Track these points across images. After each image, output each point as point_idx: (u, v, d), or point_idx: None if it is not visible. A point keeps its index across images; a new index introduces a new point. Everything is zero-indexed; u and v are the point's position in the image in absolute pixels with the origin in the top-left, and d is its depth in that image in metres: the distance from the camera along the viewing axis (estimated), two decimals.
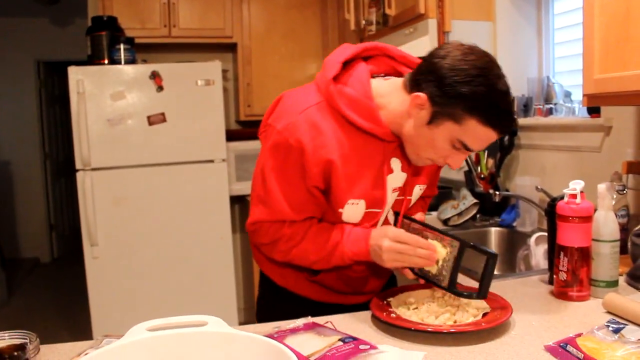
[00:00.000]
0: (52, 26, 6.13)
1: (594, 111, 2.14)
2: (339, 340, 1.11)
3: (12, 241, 6.27)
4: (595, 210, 1.42)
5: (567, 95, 2.45)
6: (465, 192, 2.59)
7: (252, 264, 3.72)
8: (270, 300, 1.58)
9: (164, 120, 3.26)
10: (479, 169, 2.53)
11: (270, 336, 1.18)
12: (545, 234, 1.63)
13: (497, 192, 2.22)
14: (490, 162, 2.54)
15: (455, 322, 1.22)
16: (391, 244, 1.25)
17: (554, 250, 1.45)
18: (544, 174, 2.41)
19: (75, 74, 3.12)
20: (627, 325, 1.15)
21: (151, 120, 3.24)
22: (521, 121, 2.49)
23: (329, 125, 1.26)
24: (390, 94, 1.28)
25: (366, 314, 1.32)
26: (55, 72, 6.54)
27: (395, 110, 1.26)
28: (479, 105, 1.14)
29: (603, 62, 1.50)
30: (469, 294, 1.25)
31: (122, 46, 3.28)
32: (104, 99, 3.18)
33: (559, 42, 2.59)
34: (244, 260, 4.09)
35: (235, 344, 0.77)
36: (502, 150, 2.55)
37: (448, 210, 2.53)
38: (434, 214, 2.60)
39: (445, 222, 2.50)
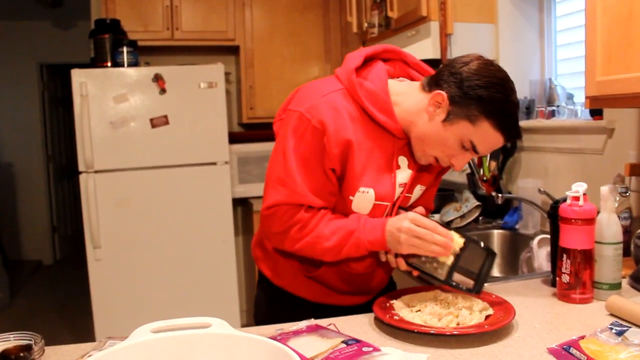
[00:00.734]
0: (55, 29, 6.15)
1: (596, 113, 2.14)
2: (342, 342, 1.11)
3: (15, 243, 6.29)
4: (598, 212, 1.41)
5: (570, 97, 2.45)
6: (467, 194, 2.59)
7: (254, 267, 3.72)
8: (267, 300, 1.58)
9: (167, 122, 3.26)
10: (481, 171, 2.53)
11: (273, 338, 1.19)
12: (548, 236, 1.63)
13: (500, 195, 2.22)
14: (493, 164, 2.54)
15: (458, 324, 1.22)
16: (410, 226, 1.25)
17: (556, 253, 1.44)
18: (546, 176, 2.41)
19: (78, 76, 3.14)
20: (630, 327, 1.15)
21: (154, 123, 3.25)
22: (523, 124, 2.49)
23: (347, 110, 1.31)
24: (405, 94, 1.35)
25: (369, 316, 1.33)
26: (58, 75, 6.56)
27: (410, 108, 1.32)
28: (495, 110, 1.22)
29: (605, 65, 1.50)
30: (463, 288, 1.28)
31: (125, 49, 3.29)
32: (107, 101, 3.18)
33: (561, 45, 2.59)
34: (246, 262, 4.09)
35: (238, 345, 0.78)
36: (505, 152, 2.55)
37: (450, 212, 2.53)
38: (437, 216, 2.60)
39: (447, 224, 2.50)
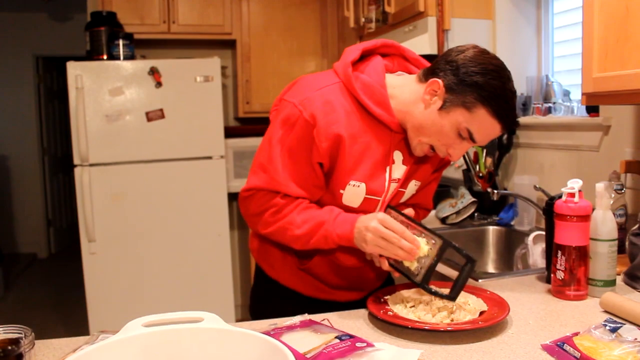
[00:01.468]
0: (51, 21, 6.12)
1: (592, 110, 2.14)
2: (336, 337, 1.11)
3: (10, 236, 6.28)
4: (593, 209, 1.41)
5: (566, 94, 2.45)
6: (463, 190, 2.59)
7: (249, 261, 3.72)
8: (262, 292, 1.59)
9: (163, 116, 3.25)
10: (477, 167, 2.52)
11: (266, 333, 1.18)
12: (543, 233, 1.63)
13: (495, 191, 2.22)
14: (489, 160, 2.53)
15: (452, 320, 1.21)
16: (378, 226, 1.24)
17: (551, 249, 1.44)
18: (542, 172, 2.40)
19: (74, 69, 3.12)
20: (624, 324, 1.15)
21: (149, 117, 3.23)
22: (520, 120, 2.49)
23: (342, 104, 1.31)
24: (402, 86, 1.34)
25: (363, 312, 1.32)
26: (54, 68, 6.53)
27: (406, 99, 1.32)
28: (491, 97, 1.21)
29: (602, 61, 1.50)
30: (439, 293, 1.26)
31: (121, 42, 3.28)
32: (103, 94, 3.17)
33: (558, 42, 2.58)
34: (241, 257, 4.09)
35: (230, 340, 0.77)
36: (501, 148, 2.54)
37: (446, 208, 2.53)
38: (432, 212, 2.60)
39: (443, 220, 2.50)
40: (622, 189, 1.80)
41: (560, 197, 1.41)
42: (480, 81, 1.20)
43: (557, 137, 2.32)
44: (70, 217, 6.84)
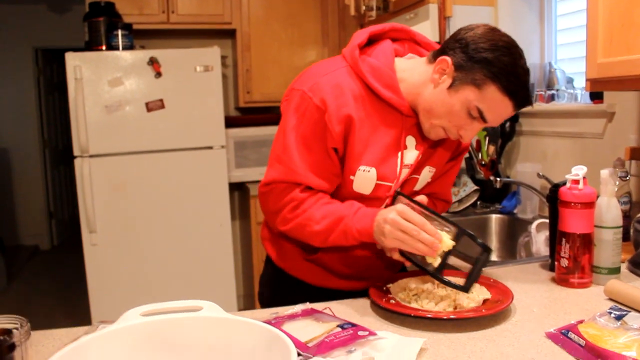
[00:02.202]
0: (50, 13, 6.09)
1: (596, 97, 2.11)
2: (338, 326, 1.10)
3: (12, 229, 6.28)
4: (598, 196, 1.40)
5: (569, 81, 2.42)
6: (466, 178, 2.57)
7: (251, 251, 3.71)
8: (269, 280, 1.58)
9: (163, 106, 3.23)
10: (480, 155, 2.50)
11: (267, 322, 1.17)
12: (546, 220, 1.61)
13: (498, 179, 2.20)
14: (492, 148, 2.52)
15: (455, 308, 1.20)
16: (396, 218, 1.17)
17: (555, 237, 1.43)
18: (545, 160, 2.39)
19: (72, 60, 3.09)
20: (629, 312, 1.13)
21: (149, 107, 3.21)
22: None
23: (351, 87, 1.28)
24: (412, 69, 1.31)
25: (365, 301, 1.31)
26: (53, 59, 6.51)
27: (415, 80, 1.29)
28: (502, 73, 1.17)
29: (607, 46, 1.48)
30: (452, 284, 1.21)
31: (119, 32, 3.25)
32: (102, 85, 3.15)
33: (561, 29, 2.56)
34: (243, 247, 4.08)
35: (230, 329, 0.76)
36: (504, 136, 2.53)
37: None
38: None
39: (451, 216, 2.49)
40: (627, 176, 1.78)
41: (564, 184, 1.40)
42: (490, 57, 1.17)
43: (560, 125, 2.30)
44: (72, 208, 6.83)
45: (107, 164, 3.20)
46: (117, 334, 0.76)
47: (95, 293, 3.23)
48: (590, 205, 1.36)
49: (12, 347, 0.84)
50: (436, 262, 1.20)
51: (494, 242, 2.40)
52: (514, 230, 2.32)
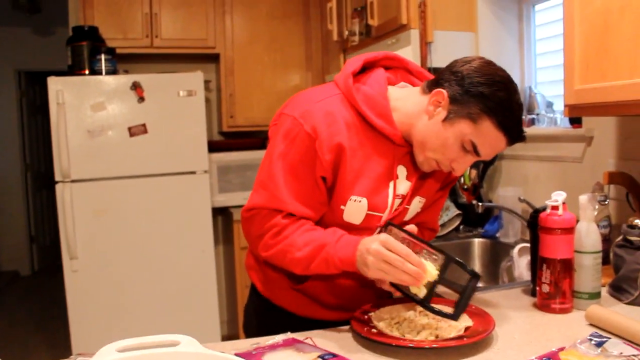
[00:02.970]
0: (34, 36, 6.07)
1: (575, 121, 2.14)
2: (318, 357, 1.09)
3: None
4: (577, 221, 1.41)
5: (549, 105, 2.46)
6: (448, 203, 2.58)
7: (234, 276, 3.68)
8: (255, 310, 1.55)
9: (145, 131, 3.22)
10: (462, 179, 2.52)
11: (248, 353, 1.16)
12: (528, 245, 1.62)
13: (480, 204, 2.21)
14: (474, 172, 2.53)
15: (437, 336, 1.19)
16: (379, 249, 1.14)
17: (536, 262, 1.43)
18: (526, 184, 2.41)
19: (54, 84, 3.08)
20: (610, 338, 1.14)
21: (132, 132, 3.20)
22: None
23: (343, 116, 1.27)
24: (405, 98, 1.31)
25: (347, 329, 1.30)
26: (36, 82, 6.47)
27: (409, 111, 1.28)
28: (497, 108, 1.17)
29: (583, 73, 1.51)
30: (442, 312, 1.19)
31: (103, 56, 3.25)
32: (84, 109, 3.13)
33: (541, 53, 2.60)
34: (226, 272, 4.05)
35: None
36: (485, 161, 2.54)
37: None
38: None
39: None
40: (606, 200, 1.80)
41: (544, 209, 1.41)
42: (486, 92, 1.17)
43: (541, 149, 2.32)
44: (54, 233, 6.73)
45: (89, 189, 3.17)
46: None
47: (75, 321, 3.17)
48: (570, 230, 1.37)
49: None
50: (421, 292, 1.18)
51: (477, 267, 2.41)
52: (497, 254, 2.33)
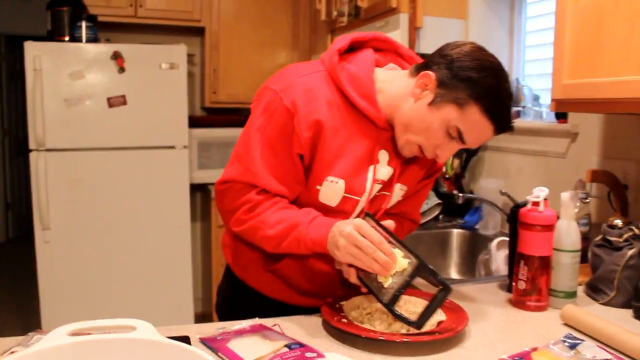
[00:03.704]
0: None
1: (561, 116, 2.12)
2: (285, 346, 1.05)
3: None
4: (558, 218, 1.38)
5: (536, 98, 2.43)
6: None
7: (210, 254, 3.64)
8: (229, 291, 1.51)
9: (125, 102, 3.14)
10: (444, 169, 2.49)
11: (213, 338, 1.12)
12: (507, 239, 1.59)
13: (461, 194, 2.19)
14: (456, 162, 2.50)
15: (408, 330, 1.16)
16: (353, 232, 1.12)
17: (514, 257, 1.41)
18: (508, 177, 2.38)
19: (32, 49, 2.99)
20: (583, 341, 1.11)
21: (111, 102, 3.12)
22: None
23: (325, 93, 1.23)
24: (392, 80, 1.27)
25: (317, 318, 1.26)
26: (17, 47, 6.30)
27: (395, 93, 1.24)
28: (485, 95, 1.14)
29: (573, 68, 1.47)
30: (405, 319, 1.15)
31: (84, 23, 3.16)
32: (62, 77, 3.05)
33: (530, 45, 2.56)
34: (203, 250, 4.01)
35: (162, 353, 0.71)
36: (468, 151, 2.51)
37: None
38: None
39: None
40: (587, 198, 1.78)
41: (525, 204, 1.38)
42: (475, 77, 1.13)
43: (525, 142, 2.30)
44: (30, 201, 6.63)
45: (64, 159, 3.09)
46: (39, 356, 0.70)
47: (46, 292, 3.11)
48: (549, 228, 1.34)
49: None
50: (387, 282, 1.15)
51: (454, 258, 2.39)
52: (475, 246, 2.31)
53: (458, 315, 1.22)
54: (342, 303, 1.27)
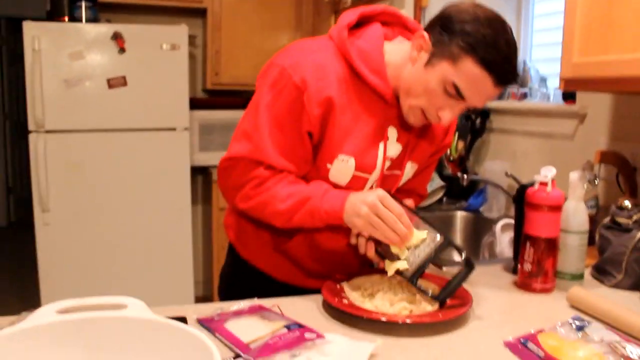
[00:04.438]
0: None
1: (568, 98, 2.07)
2: (284, 326, 1.02)
3: None
4: (565, 199, 1.34)
5: (543, 80, 2.38)
6: (432, 174, 2.51)
7: (211, 237, 3.61)
8: (232, 273, 1.48)
9: (125, 84, 3.10)
10: (448, 151, 2.45)
11: (210, 319, 1.10)
12: (512, 221, 1.56)
13: (465, 176, 2.15)
14: (461, 144, 2.46)
15: (411, 311, 1.13)
16: (377, 203, 1.13)
17: (519, 239, 1.38)
18: (514, 159, 2.34)
19: (30, 30, 2.94)
20: (591, 322, 1.08)
21: (111, 83, 3.08)
22: (494, 104, 2.42)
23: (335, 69, 1.21)
24: (397, 52, 1.23)
25: (317, 298, 1.23)
26: (17, 29, 6.25)
27: (397, 62, 1.21)
28: (479, 44, 1.08)
29: (583, 46, 1.43)
30: (427, 292, 1.16)
31: (84, 3, 3.12)
32: (62, 58, 3.00)
33: (538, 29, 2.51)
34: (204, 233, 3.98)
35: (154, 332, 0.67)
36: (473, 132, 2.47)
37: None
38: (409, 201, 2.52)
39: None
40: (595, 180, 1.74)
41: (531, 185, 1.34)
42: (468, 29, 1.08)
43: (531, 124, 2.26)
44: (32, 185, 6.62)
45: (64, 140, 3.06)
46: (27, 334, 0.67)
47: (46, 275, 3.10)
48: (557, 208, 1.31)
49: None
50: (402, 254, 1.16)
51: (458, 240, 2.36)
52: (479, 228, 2.28)
53: (461, 296, 1.19)
54: (342, 284, 1.24)
